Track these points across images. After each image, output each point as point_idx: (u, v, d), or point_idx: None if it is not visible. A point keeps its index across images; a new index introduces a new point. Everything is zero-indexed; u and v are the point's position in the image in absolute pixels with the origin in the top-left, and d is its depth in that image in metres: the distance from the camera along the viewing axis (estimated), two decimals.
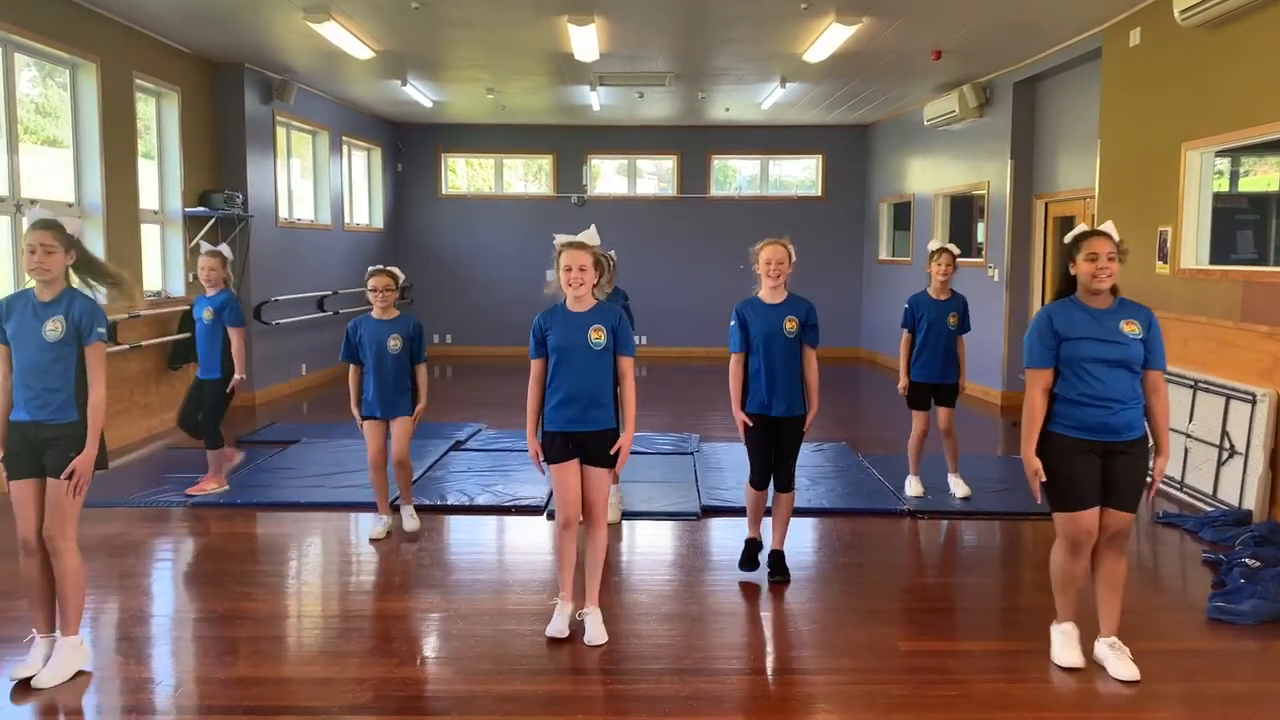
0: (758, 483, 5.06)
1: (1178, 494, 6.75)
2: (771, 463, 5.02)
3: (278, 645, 4.35)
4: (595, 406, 4.25)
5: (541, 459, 4.34)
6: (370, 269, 5.80)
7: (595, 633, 4.27)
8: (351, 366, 5.71)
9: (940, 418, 6.56)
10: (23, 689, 3.80)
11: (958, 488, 6.63)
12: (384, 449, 5.75)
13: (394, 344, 5.62)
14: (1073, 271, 3.94)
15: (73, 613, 3.93)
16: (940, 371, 6.47)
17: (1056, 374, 3.90)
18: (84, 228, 4.14)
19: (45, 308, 3.85)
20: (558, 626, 4.29)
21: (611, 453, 4.28)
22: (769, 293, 4.99)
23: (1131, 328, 3.86)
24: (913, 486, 6.68)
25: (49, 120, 8.17)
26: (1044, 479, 3.90)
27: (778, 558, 5.11)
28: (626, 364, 4.30)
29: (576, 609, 4.37)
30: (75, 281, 3.99)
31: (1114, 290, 3.93)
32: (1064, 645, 4.06)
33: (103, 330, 3.96)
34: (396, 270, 5.80)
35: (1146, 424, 3.95)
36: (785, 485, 5.10)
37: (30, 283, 3.89)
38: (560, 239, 4.31)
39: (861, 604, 4.83)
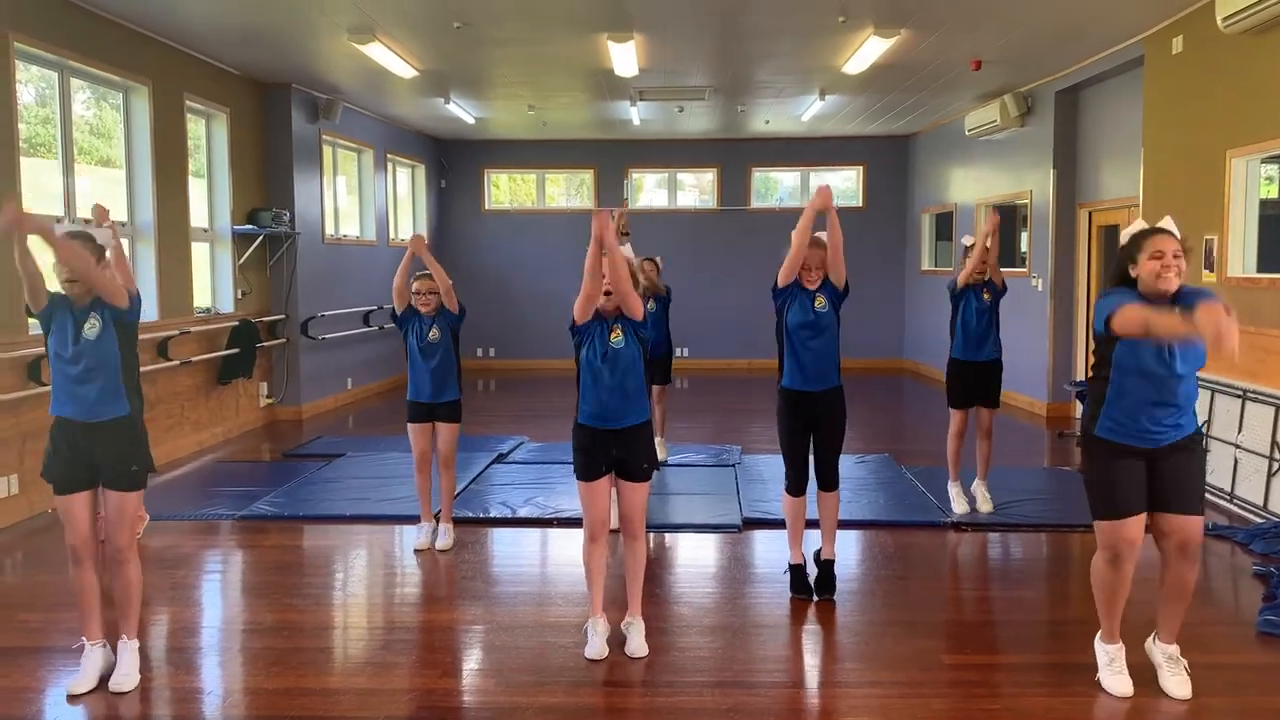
0: (795, 487, 4.95)
1: (1228, 505, 6.65)
2: (809, 457, 4.90)
3: (324, 656, 4.41)
4: (626, 406, 4.29)
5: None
6: (416, 275, 5.88)
7: (636, 644, 4.29)
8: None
9: (982, 419, 6.46)
10: (74, 700, 3.90)
11: (983, 501, 6.52)
12: (429, 451, 5.84)
13: (434, 335, 5.75)
14: (1133, 273, 3.64)
15: (134, 617, 4.06)
16: (980, 347, 6.39)
17: (1107, 377, 3.72)
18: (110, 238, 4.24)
19: (83, 310, 3.92)
20: (596, 648, 4.26)
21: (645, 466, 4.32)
22: (806, 281, 4.89)
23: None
24: (958, 501, 6.56)
25: (103, 141, 8.37)
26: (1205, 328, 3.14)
27: (827, 569, 5.01)
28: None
29: (610, 622, 4.38)
30: None
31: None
32: (1111, 671, 3.91)
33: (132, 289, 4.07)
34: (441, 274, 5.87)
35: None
36: (830, 482, 4.96)
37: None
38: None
39: (904, 616, 4.81)
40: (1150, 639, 4.01)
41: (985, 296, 6.38)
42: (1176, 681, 3.84)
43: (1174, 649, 3.91)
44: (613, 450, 4.28)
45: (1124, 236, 3.77)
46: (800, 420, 4.87)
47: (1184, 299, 3.55)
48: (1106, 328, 3.58)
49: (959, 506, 6.53)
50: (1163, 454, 3.73)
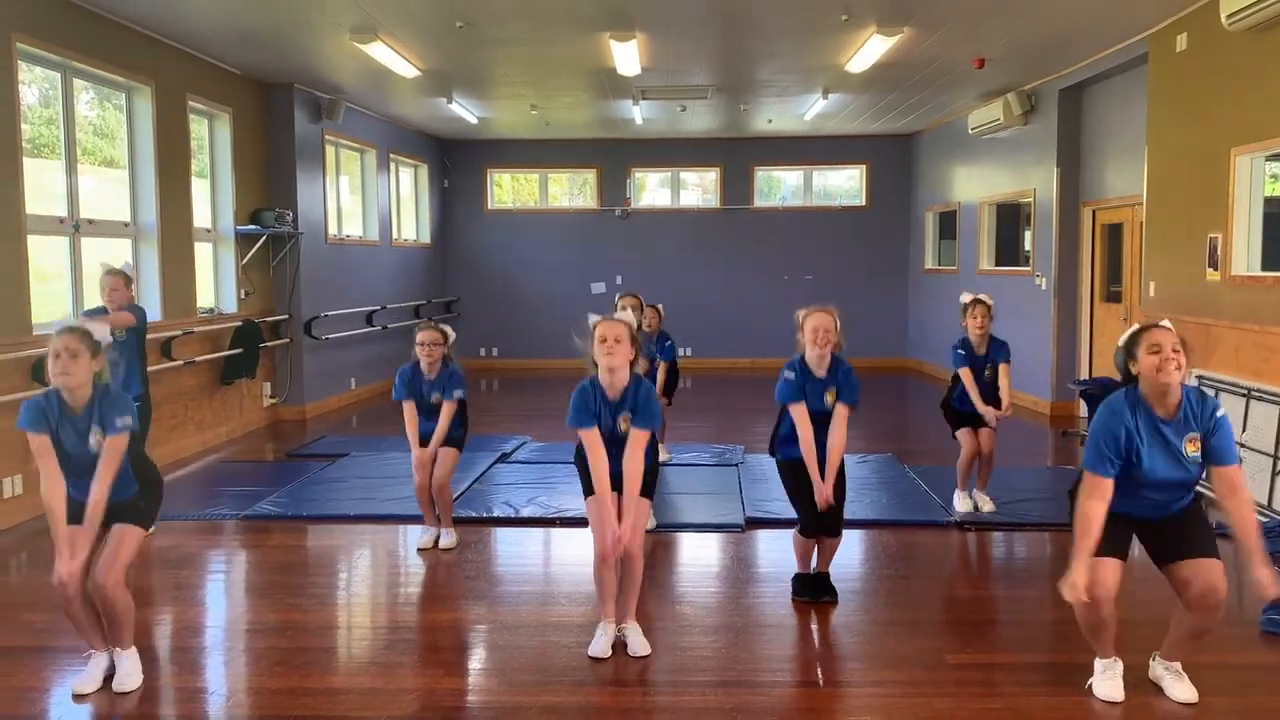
0: (808, 529, 4.85)
1: None
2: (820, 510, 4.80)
3: (327, 656, 4.42)
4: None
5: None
6: (421, 324, 5.82)
7: (638, 644, 4.30)
8: (405, 405, 5.77)
9: (982, 439, 6.43)
10: (79, 699, 3.91)
11: (984, 503, 6.55)
12: (428, 476, 5.80)
13: (436, 400, 5.74)
14: (1134, 370, 3.61)
15: (128, 633, 4.02)
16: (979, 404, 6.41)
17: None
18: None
19: (81, 420, 3.86)
20: (599, 647, 4.27)
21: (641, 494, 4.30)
22: (816, 361, 4.75)
23: (1193, 448, 3.58)
24: (961, 502, 6.60)
25: (106, 142, 8.38)
26: (1086, 600, 3.51)
27: (823, 581, 5.00)
28: (639, 435, 4.28)
29: (618, 626, 4.39)
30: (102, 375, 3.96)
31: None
32: (1104, 677, 3.87)
33: (125, 421, 3.88)
34: (448, 329, 5.80)
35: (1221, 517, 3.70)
36: (835, 530, 4.89)
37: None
38: (593, 318, 4.36)
39: (907, 616, 4.80)
40: (1152, 659, 3.95)
41: (987, 372, 6.40)
42: (1183, 688, 3.80)
43: (1176, 665, 3.86)
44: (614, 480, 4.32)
45: (1122, 339, 3.75)
46: (807, 484, 4.78)
47: (1188, 425, 3.60)
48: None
49: (962, 505, 6.56)
50: (1161, 520, 3.73)
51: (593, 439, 4.27)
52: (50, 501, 3.85)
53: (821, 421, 4.76)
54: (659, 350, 7.77)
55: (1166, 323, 3.69)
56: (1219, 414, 3.60)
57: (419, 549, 5.87)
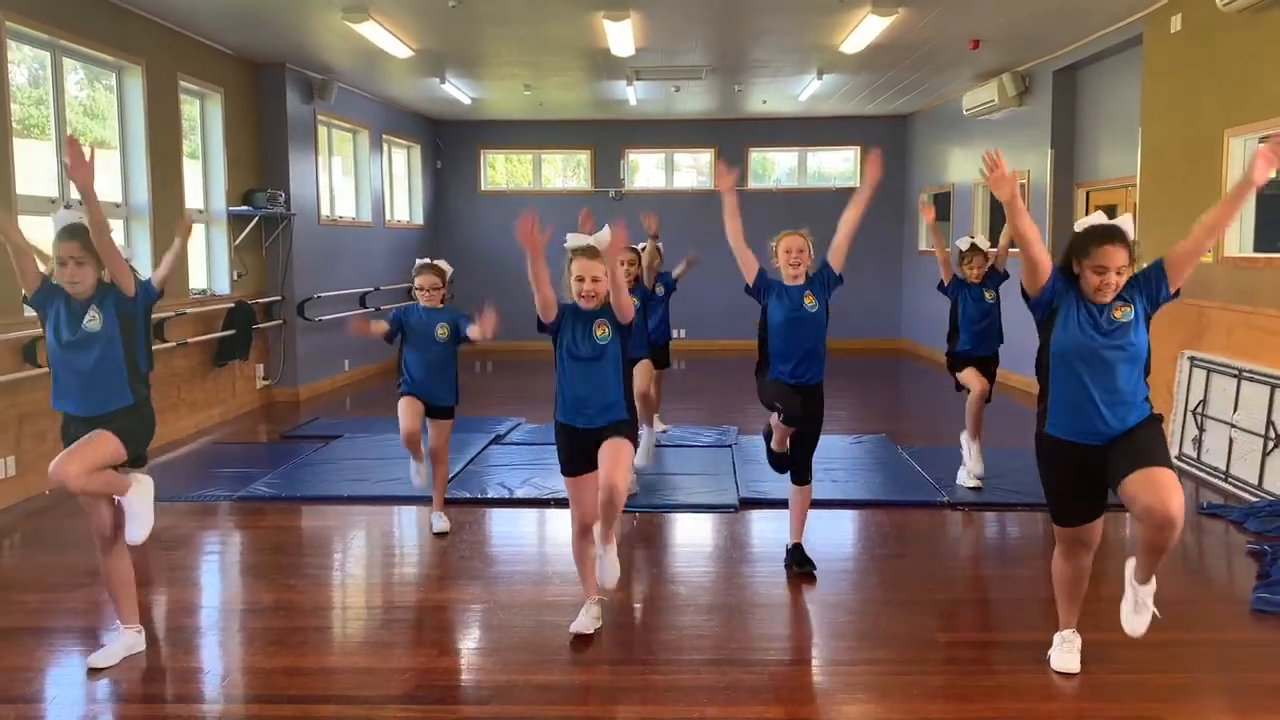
0: (793, 419, 4.67)
1: (1223, 484, 6.66)
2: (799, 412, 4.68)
3: (322, 636, 4.43)
4: (605, 409, 4.10)
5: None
6: (418, 264, 5.64)
7: (607, 572, 4.09)
8: (401, 401, 5.58)
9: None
10: (94, 674, 3.96)
11: (975, 463, 6.55)
12: (419, 429, 5.60)
13: (441, 332, 5.56)
14: (1075, 269, 3.57)
15: (125, 608, 4.04)
16: (983, 344, 6.51)
17: (1047, 370, 3.65)
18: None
19: (82, 304, 3.82)
20: (582, 623, 4.24)
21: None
22: (790, 281, 4.80)
23: (1122, 311, 3.50)
24: (973, 462, 6.54)
25: (97, 122, 8.33)
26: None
27: (798, 551, 5.05)
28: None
29: (599, 605, 4.36)
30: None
31: None
32: (1061, 649, 3.90)
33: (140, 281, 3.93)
34: (444, 265, 5.67)
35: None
36: (802, 476, 4.97)
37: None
38: (570, 241, 4.05)
39: (900, 595, 4.83)
40: (1126, 564, 3.76)
41: (988, 296, 6.45)
42: (1137, 618, 3.65)
43: (1147, 590, 3.65)
44: (592, 447, 4.09)
45: (1078, 225, 3.68)
46: (787, 391, 4.71)
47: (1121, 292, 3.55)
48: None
49: (975, 465, 6.55)
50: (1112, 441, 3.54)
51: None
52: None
53: (804, 326, 4.70)
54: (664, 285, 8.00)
55: (1126, 223, 3.58)
56: (1150, 269, 3.56)
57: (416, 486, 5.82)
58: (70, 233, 3.79)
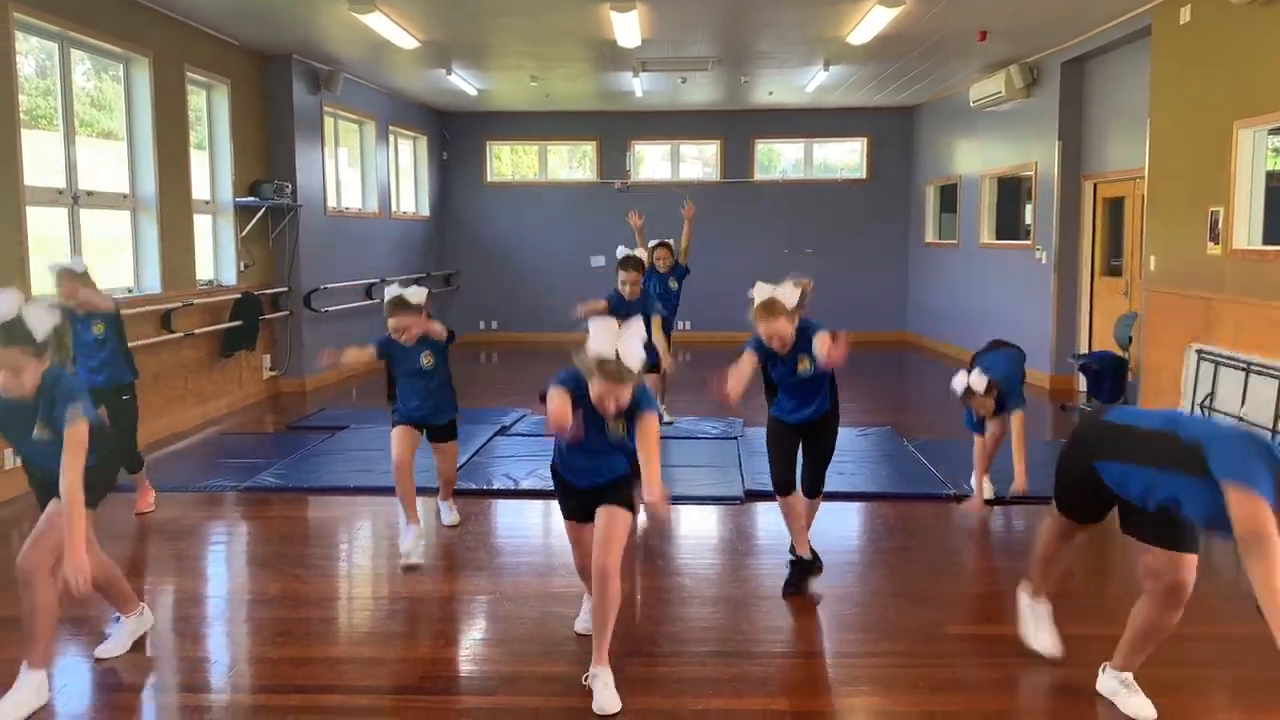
0: (781, 486, 4.55)
1: None
2: (795, 466, 4.57)
3: (329, 626, 4.44)
4: (607, 468, 3.79)
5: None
6: (387, 299, 5.18)
7: (606, 700, 3.56)
8: (394, 431, 5.31)
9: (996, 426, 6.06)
10: (100, 662, 3.96)
11: (987, 491, 6.28)
12: (411, 456, 5.28)
13: (426, 361, 5.25)
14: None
15: (39, 644, 3.59)
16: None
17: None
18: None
19: (26, 407, 3.46)
20: (586, 622, 4.16)
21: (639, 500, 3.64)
22: (779, 348, 4.43)
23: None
24: (986, 491, 6.17)
25: (104, 113, 8.34)
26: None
27: (803, 566, 4.71)
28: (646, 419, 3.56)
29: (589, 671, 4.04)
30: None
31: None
32: (1037, 627, 3.89)
33: (75, 406, 3.38)
34: (413, 296, 5.16)
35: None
36: (815, 491, 4.72)
37: None
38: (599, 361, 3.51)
39: (907, 588, 4.83)
40: (1101, 670, 3.66)
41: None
42: (1138, 701, 3.50)
43: (1128, 675, 3.57)
44: (592, 504, 3.78)
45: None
46: (790, 437, 4.61)
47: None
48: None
49: (987, 491, 6.17)
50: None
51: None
52: None
53: (800, 389, 4.52)
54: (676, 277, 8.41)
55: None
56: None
57: (404, 567, 5.15)
58: (7, 344, 3.36)
